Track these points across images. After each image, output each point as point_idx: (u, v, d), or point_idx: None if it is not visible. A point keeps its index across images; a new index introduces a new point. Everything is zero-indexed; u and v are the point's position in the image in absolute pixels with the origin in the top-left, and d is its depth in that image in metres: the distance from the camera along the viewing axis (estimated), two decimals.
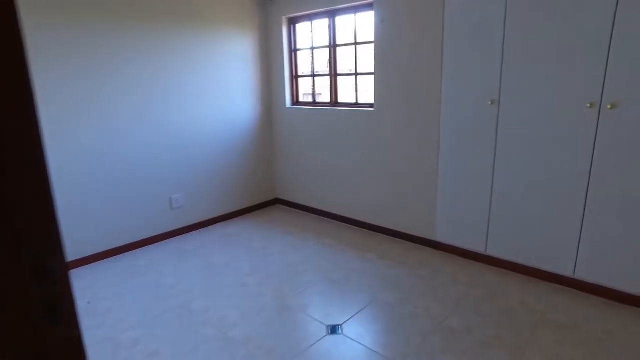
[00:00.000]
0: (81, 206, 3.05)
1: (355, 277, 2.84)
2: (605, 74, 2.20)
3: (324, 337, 2.19)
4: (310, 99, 4.11)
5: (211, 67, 3.69)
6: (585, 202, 2.41)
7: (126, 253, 3.33)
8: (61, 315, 0.43)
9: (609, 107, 2.22)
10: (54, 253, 0.42)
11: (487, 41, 2.59)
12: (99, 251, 3.19)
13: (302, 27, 3.95)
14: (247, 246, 3.43)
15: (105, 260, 3.21)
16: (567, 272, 2.57)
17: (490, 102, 2.64)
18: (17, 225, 0.40)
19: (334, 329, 2.24)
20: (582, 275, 2.51)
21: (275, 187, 4.49)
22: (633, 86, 2.13)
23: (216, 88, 3.76)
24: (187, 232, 3.75)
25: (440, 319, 2.31)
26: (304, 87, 4.15)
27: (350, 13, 3.44)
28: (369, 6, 3.26)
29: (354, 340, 2.16)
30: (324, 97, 3.93)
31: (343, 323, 2.30)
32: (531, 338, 2.14)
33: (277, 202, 4.52)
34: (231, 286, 2.76)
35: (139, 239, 3.42)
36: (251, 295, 2.64)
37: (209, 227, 3.91)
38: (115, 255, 3.27)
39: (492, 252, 2.87)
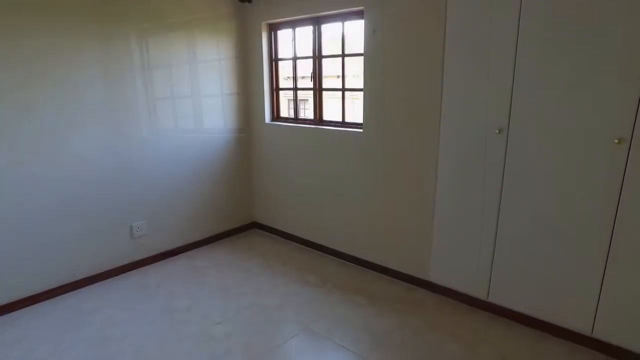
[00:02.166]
0: (18, 237, 2.60)
1: (339, 328, 2.44)
2: (639, 106, 1.86)
3: None
4: (292, 113, 3.72)
5: (180, 78, 3.26)
6: (609, 250, 2.06)
7: (76, 291, 2.87)
8: None
9: None
10: None
11: (495, 61, 2.23)
12: (42, 290, 2.73)
13: (283, 35, 3.55)
14: (217, 283, 3.00)
15: (48, 301, 2.75)
16: (584, 329, 2.21)
17: (497, 131, 2.28)
18: None
19: None
20: (603, 334, 2.16)
21: (253, 210, 4.07)
22: None
23: (186, 101, 3.34)
24: (150, 264, 3.30)
25: None
26: (286, 99, 3.76)
27: (337, 21, 3.05)
28: (359, 14, 2.87)
29: None
30: (309, 106, 3.51)
31: None
32: None
33: (254, 226, 4.10)
34: (194, 339, 2.34)
35: (94, 273, 2.97)
36: (217, 354, 2.22)
37: (177, 256, 3.47)
38: (61, 294, 2.82)
39: (495, 299, 2.51)
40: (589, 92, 1.98)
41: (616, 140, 1.93)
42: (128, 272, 3.17)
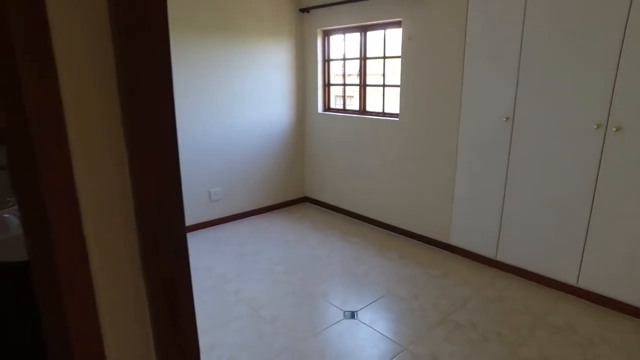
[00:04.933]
0: None
1: (374, 272, 3.12)
2: (612, 99, 2.39)
3: (341, 320, 2.49)
4: (340, 105, 4.41)
5: (252, 74, 4.05)
6: (590, 216, 2.59)
7: None
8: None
9: (614, 129, 2.41)
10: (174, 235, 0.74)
11: (504, 62, 2.81)
12: None
13: (335, 39, 4.24)
14: (277, 239, 3.77)
15: None
16: (570, 280, 2.75)
17: (504, 119, 2.86)
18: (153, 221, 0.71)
19: (349, 315, 2.54)
20: (585, 284, 2.69)
21: (304, 186, 4.82)
22: (637, 112, 2.31)
23: (255, 93, 4.13)
24: (222, 223, 4.13)
25: (447, 313, 2.57)
26: (335, 92, 4.45)
27: (380, 29, 3.71)
28: (397, 24, 3.52)
29: (366, 325, 2.45)
30: (354, 99, 4.19)
31: (358, 310, 2.60)
32: (528, 337, 2.36)
33: (306, 200, 4.85)
34: (261, 272, 3.11)
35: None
36: (279, 281, 2.97)
37: (243, 219, 4.28)
38: None
39: (502, 257, 3.08)
40: (576, 87, 2.52)
41: (595, 126, 2.47)
42: (206, 228, 4.01)
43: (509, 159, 2.91)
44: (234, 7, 3.79)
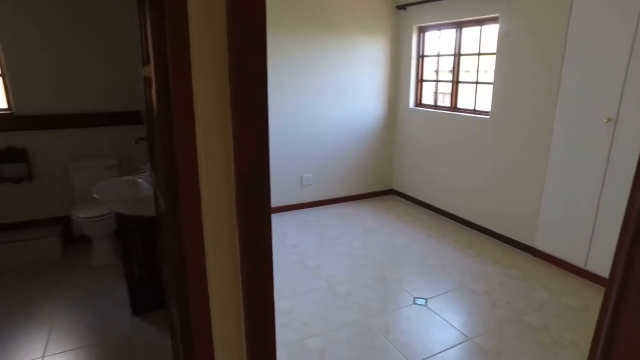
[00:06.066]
0: None
1: (450, 265, 3.18)
2: None
3: (410, 305, 2.63)
4: (432, 101, 4.44)
5: (347, 69, 4.29)
6: None
7: None
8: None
9: None
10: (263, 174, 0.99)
11: (610, 60, 2.64)
12: None
13: (430, 35, 4.27)
14: (360, 226, 3.98)
15: None
16: None
17: (606, 120, 2.69)
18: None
19: (420, 301, 2.67)
20: None
21: (392, 179, 4.95)
22: None
23: (349, 87, 4.36)
24: (310, 207, 4.47)
25: (520, 313, 2.55)
26: (431, 88, 4.49)
27: (476, 25, 3.67)
28: (494, 20, 3.46)
29: (434, 312, 2.55)
30: (447, 96, 4.20)
31: (429, 298, 2.71)
32: None
33: (392, 192, 4.98)
34: (341, 254, 3.36)
35: (277, 206, 4.24)
36: (357, 263, 3.19)
37: (330, 205, 4.57)
38: None
39: (592, 267, 2.92)
40: None
41: None
42: (296, 210, 4.38)
43: (607, 163, 2.74)
44: (333, 5, 4.05)
